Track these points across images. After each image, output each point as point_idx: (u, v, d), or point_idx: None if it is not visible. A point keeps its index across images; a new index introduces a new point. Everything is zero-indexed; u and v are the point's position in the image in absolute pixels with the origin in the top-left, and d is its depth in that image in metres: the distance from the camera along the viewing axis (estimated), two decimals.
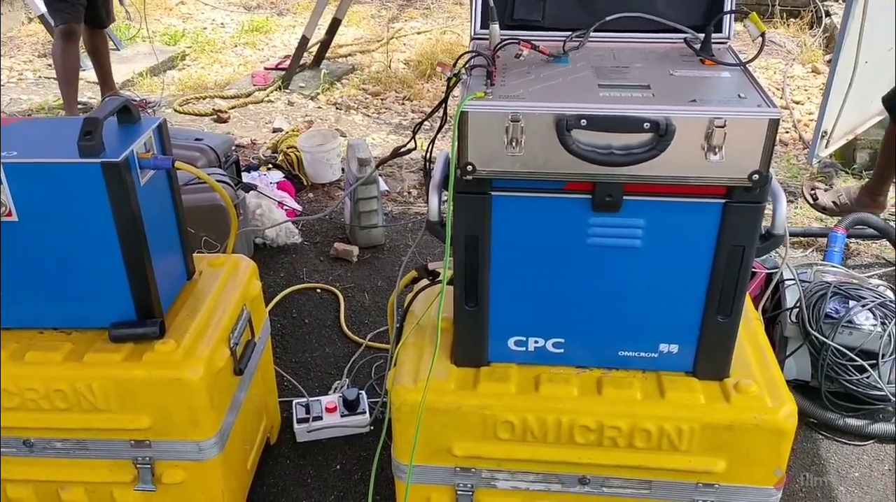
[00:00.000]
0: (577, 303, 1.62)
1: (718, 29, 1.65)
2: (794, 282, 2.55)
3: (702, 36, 1.61)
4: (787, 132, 4.87)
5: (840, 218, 2.95)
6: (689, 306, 1.59)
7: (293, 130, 4.17)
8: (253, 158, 4.06)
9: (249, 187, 3.25)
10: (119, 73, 5.38)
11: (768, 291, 2.46)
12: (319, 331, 2.85)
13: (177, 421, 1.73)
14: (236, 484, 1.96)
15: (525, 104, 1.37)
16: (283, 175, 3.75)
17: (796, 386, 2.45)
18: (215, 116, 4.67)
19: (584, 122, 1.36)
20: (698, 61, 1.57)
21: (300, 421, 2.34)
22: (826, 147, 3.70)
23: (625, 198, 1.46)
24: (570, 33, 1.66)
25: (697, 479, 1.66)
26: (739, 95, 1.40)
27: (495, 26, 1.59)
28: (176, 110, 4.78)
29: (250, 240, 3.19)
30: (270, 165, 3.80)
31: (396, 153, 1.63)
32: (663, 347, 1.65)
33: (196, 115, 4.75)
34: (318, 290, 3.07)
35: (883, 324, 2.32)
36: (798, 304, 2.40)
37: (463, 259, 1.57)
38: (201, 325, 1.82)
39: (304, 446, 2.34)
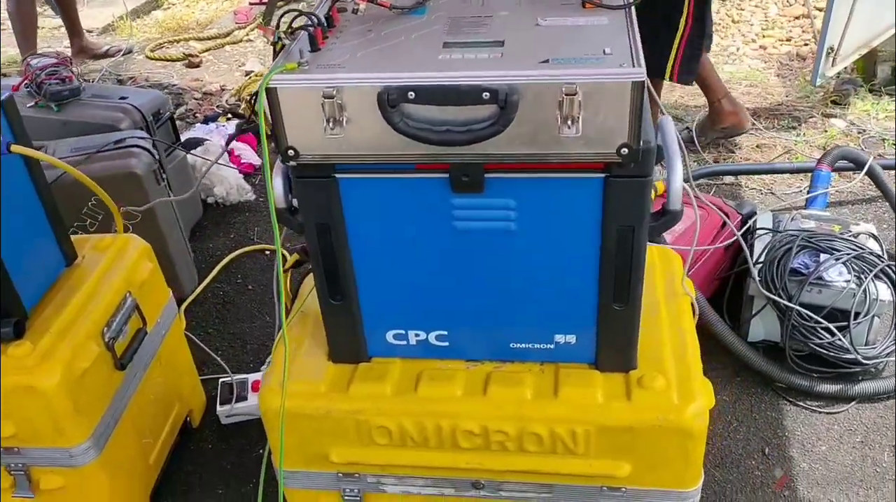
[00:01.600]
0: (454, 293, 1.41)
1: None
2: (765, 232, 2.29)
3: None
4: (805, 44, 4.45)
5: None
6: (580, 294, 1.37)
7: (257, 74, 3.95)
8: (217, 106, 3.86)
9: (195, 143, 3.06)
10: (100, 17, 5.18)
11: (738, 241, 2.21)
12: (262, 297, 2.70)
13: (40, 429, 1.61)
14: (131, 483, 1.84)
15: (341, 76, 1.14)
16: (244, 125, 3.54)
17: (765, 347, 2.22)
18: (187, 61, 4.45)
19: (412, 94, 1.12)
20: (579, 3, 1.30)
21: (223, 402, 2.21)
22: (833, 65, 3.32)
23: (487, 176, 1.23)
24: None
25: (601, 483, 1.47)
26: (605, 51, 1.14)
27: None
28: (148, 56, 4.59)
29: (197, 200, 3.03)
30: (230, 115, 3.59)
31: (241, 131, 1.42)
32: (559, 338, 1.44)
33: (167, 60, 4.55)
34: (267, 253, 2.91)
35: (858, 279, 2.05)
36: (762, 259, 2.14)
37: (317, 250, 1.37)
38: (66, 321, 1.67)
39: (229, 429, 2.21)
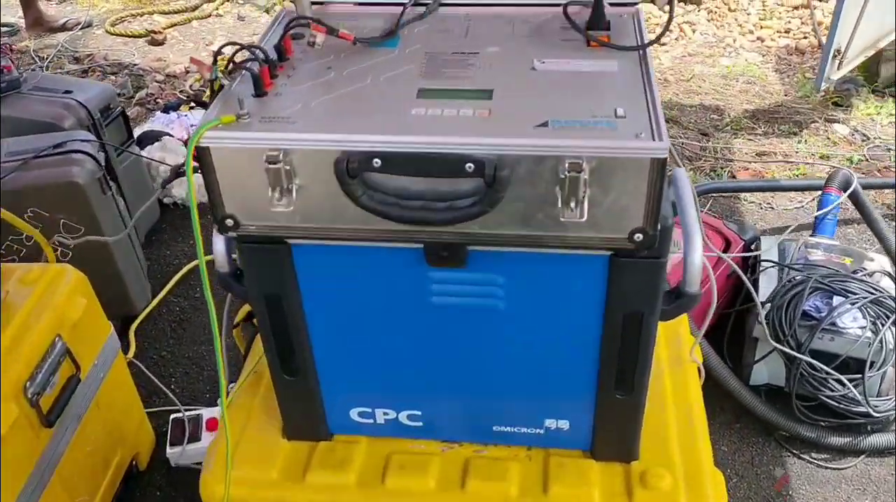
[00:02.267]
0: (429, 372, 1.20)
1: None
2: (771, 264, 2.10)
3: None
4: (805, 37, 4.23)
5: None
6: (576, 380, 1.17)
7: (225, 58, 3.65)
8: (180, 92, 3.58)
9: (151, 138, 2.81)
10: None
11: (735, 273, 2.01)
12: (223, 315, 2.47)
13: None
14: None
15: (290, 137, 0.91)
16: None
17: (768, 391, 2.04)
18: (149, 38, 4.16)
19: (377, 162, 0.90)
20: (583, 41, 1.08)
21: (173, 442, 1.99)
22: (839, 68, 3.11)
23: (471, 249, 1.02)
24: None
25: None
26: (616, 112, 0.92)
27: None
28: (108, 31, 4.28)
29: (153, 203, 2.78)
30: (193, 104, 3.33)
31: (177, 173, 1.18)
32: (550, 423, 1.24)
33: (129, 36, 4.25)
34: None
35: (874, 325, 1.86)
36: (770, 300, 1.95)
37: (267, 323, 1.15)
38: None
39: (180, 472, 2.00)
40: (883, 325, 1.85)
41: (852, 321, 1.88)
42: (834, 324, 1.87)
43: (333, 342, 1.18)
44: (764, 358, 1.96)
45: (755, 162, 3.05)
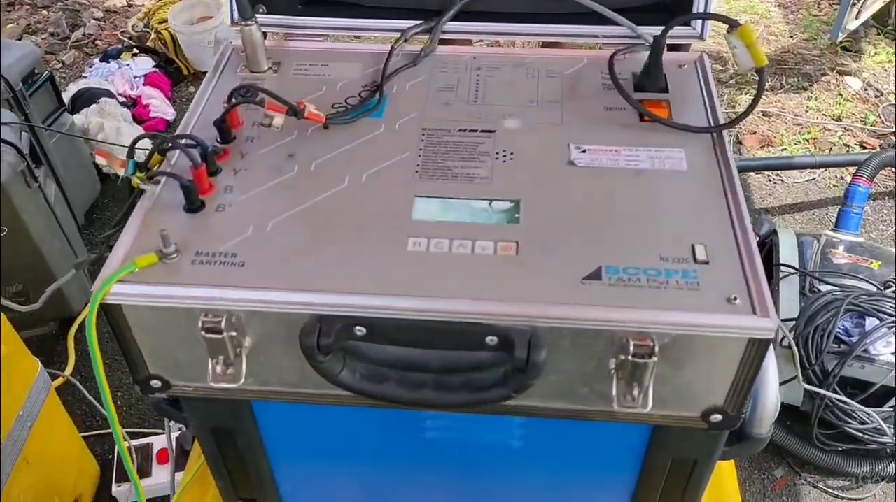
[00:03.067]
0: None
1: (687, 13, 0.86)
2: (791, 271, 1.88)
3: (650, 32, 0.82)
4: None
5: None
6: None
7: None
8: (122, 33, 3.18)
9: (87, 99, 2.46)
10: None
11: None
12: None
13: None
14: None
15: (233, 295, 0.64)
16: (153, 63, 2.89)
17: (782, 408, 1.85)
18: None
19: (361, 330, 0.63)
20: (634, 112, 0.79)
21: (119, 479, 1.77)
22: (857, 17, 2.82)
23: None
24: (415, 25, 0.87)
25: None
26: (695, 252, 0.65)
27: (251, 29, 0.81)
28: None
29: (91, 175, 2.45)
30: (136, 50, 2.94)
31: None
32: None
33: None
34: None
35: None
36: (795, 320, 1.74)
37: (217, 454, 0.90)
38: None
39: None
40: None
41: (885, 346, 1.68)
42: (866, 350, 1.67)
43: (301, 475, 0.94)
44: (784, 383, 1.76)
45: (762, 122, 2.78)
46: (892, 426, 1.70)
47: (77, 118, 2.40)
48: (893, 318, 1.68)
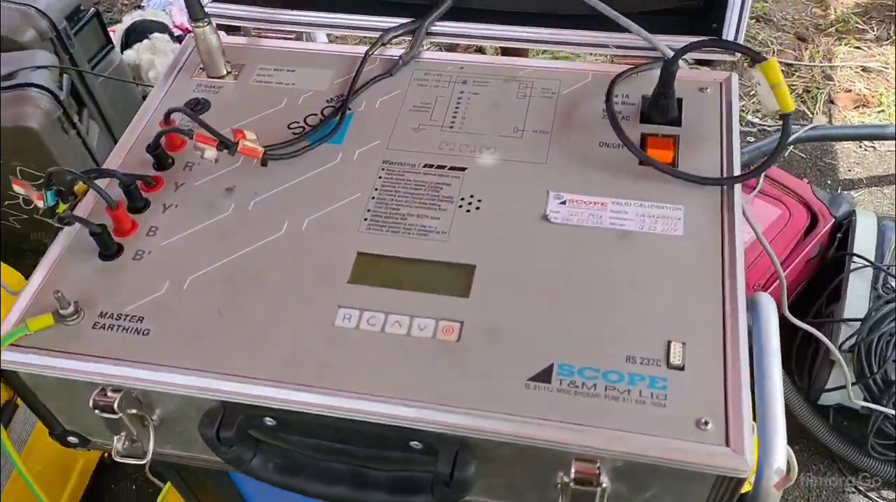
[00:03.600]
0: None
1: (712, 25, 0.71)
2: (864, 264, 1.69)
3: (671, 44, 0.68)
4: None
5: None
6: None
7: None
8: None
9: (142, 33, 2.41)
10: None
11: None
12: None
13: None
14: None
15: (127, 373, 0.56)
16: None
17: (838, 410, 1.71)
18: None
19: (270, 421, 0.55)
20: (632, 158, 0.66)
21: None
22: None
23: None
24: (395, 25, 0.76)
25: None
26: (671, 354, 0.54)
27: (204, 31, 0.72)
28: None
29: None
30: None
31: None
32: None
33: None
34: None
35: None
36: (860, 322, 1.57)
37: (179, 483, 0.86)
38: None
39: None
40: None
41: None
42: None
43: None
44: (838, 389, 1.62)
45: (860, 78, 2.50)
46: None
47: (128, 54, 2.36)
48: None
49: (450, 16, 0.75)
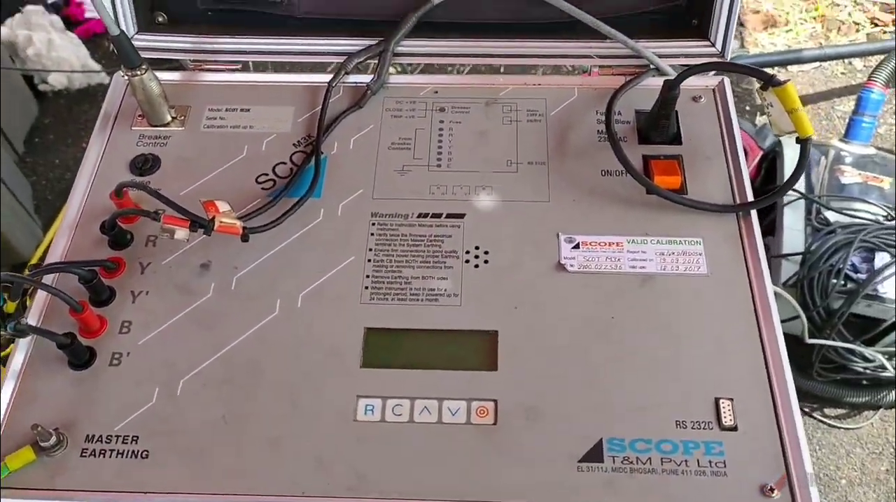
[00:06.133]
0: None
1: (699, 28, 0.67)
2: (797, 197, 1.73)
3: (657, 50, 0.64)
4: None
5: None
6: None
7: None
8: None
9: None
10: None
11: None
12: None
13: None
14: None
15: None
16: None
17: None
18: None
19: None
20: (638, 186, 0.62)
21: None
22: None
23: None
24: (357, 51, 0.68)
25: None
26: (722, 413, 0.51)
27: (142, 79, 0.62)
28: None
29: (25, 94, 2.21)
30: None
31: None
32: None
33: None
34: None
35: None
36: (801, 259, 1.61)
37: None
38: None
39: None
40: None
41: (894, 281, 1.57)
42: (874, 288, 1.56)
43: None
44: (787, 321, 1.67)
45: None
46: (893, 359, 1.63)
47: (3, 32, 2.13)
48: None
49: (416, 33, 0.68)
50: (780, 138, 1.87)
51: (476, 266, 0.59)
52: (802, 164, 0.57)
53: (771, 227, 1.75)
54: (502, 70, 0.80)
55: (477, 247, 0.60)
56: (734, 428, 0.51)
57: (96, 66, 2.41)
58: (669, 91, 0.60)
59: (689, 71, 0.59)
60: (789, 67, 2.32)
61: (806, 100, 2.26)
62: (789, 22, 2.43)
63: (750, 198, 0.61)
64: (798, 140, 0.56)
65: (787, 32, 2.41)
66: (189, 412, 0.53)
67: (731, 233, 0.59)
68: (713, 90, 0.67)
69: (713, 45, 0.67)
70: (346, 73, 0.67)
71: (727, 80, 0.67)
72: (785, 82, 0.55)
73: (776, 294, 1.52)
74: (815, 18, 2.44)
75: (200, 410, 0.53)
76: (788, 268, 1.66)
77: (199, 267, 0.59)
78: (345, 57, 0.68)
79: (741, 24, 2.45)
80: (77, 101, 2.42)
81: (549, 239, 0.60)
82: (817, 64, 2.31)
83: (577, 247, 0.59)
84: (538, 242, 0.59)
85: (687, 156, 0.63)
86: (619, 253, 0.59)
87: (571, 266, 0.58)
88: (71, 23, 2.33)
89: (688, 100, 0.66)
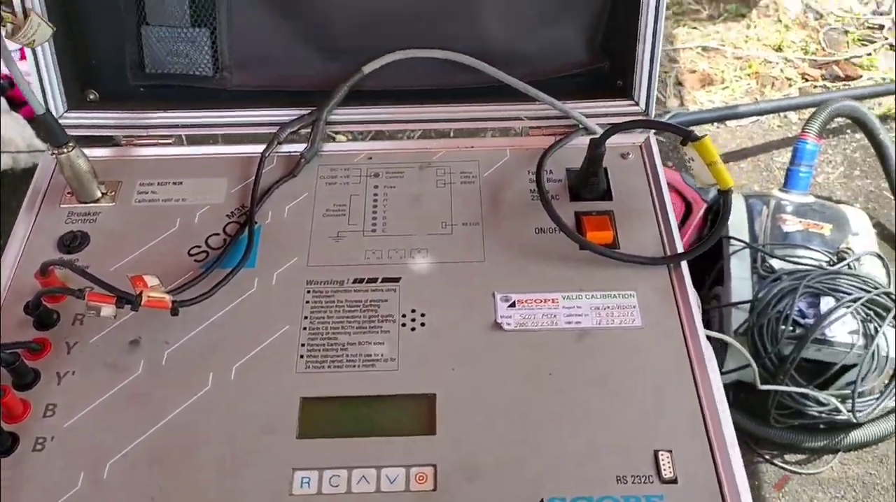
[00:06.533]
0: None
1: (624, 88, 0.69)
2: (742, 246, 1.77)
3: (584, 110, 0.66)
4: None
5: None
6: None
7: None
8: None
9: None
10: None
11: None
12: None
13: None
14: None
15: None
16: None
17: (736, 387, 1.78)
18: None
19: None
20: (570, 242, 0.63)
21: None
22: None
23: None
24: (289, 121, 0.68)
25: None
26: (660, 470, 0.51)
27: (69, 157, 0.62)
28: None
29: None
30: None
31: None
32: None
33: None
34: None
35: (864, 326, 1.59)
36: (750, 308, 1.64)
37: None
38: None
39: None
40: (878, 329, 1.57)
41: (842, 326, 1.60)
42: (822, 332, 1.59)
43: None
44: (739, 369, 1.69)
45: (701, 58, 2.62)
46: (848, 401, 1.64)
47: None
48: (850, 297, 1.59)
49: (348, 101, 0.69)
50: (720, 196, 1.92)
51: (413, 329, 0.58)
52: (726, 216, 0.59)
53: (720, 277, 1.78)
54: (433, 135, 0.81)
55: (413, 310, 0.59)
56: (674, 481, 0.51)
57: (42, 146, 2.40)
58: (595, 149, 0.62)
59: (613, 130, 0.60)
60: (728, 122, 2.40)
61: (746, 153, 2.33)
62: (725, 80, 2.52)
63: (680, 249, 0.62)
64: (719, 192, 0.58)
65: (723, 90, 2.49)
66: (116, 497, 0.51)
67: (664, 284, 0.60)
68: (640, 147, 0.69)
69: (637, 103, 0.69)
70: (280, 143, 0.68)
71: (653, 137, 0.69)
72: (702, 137, 0.56)
73: (726, 343, 1.53)
74: (749, 76, 2.54)
75: (128, 494, 0.51)
76: (738, 317, 1.68)
77: (129, 343, 0.58)
78: (278, 127, 0.68)
79: (680, 84, 2.54)
80: (23, 180, 2.39)
81: (486, 298, 0.60)
82: (755, 118, 2.39)
83: (513, 305, 0.59)
84: (474, 302, 0.59)
85: (618, 211, 0.64)
86: (554, 309, 0.59)
87: (508, 324, 0.58)
88: (16, 104, 2.32)
89: (616, 156, 0.68)
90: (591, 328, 0.58)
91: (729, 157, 2.32)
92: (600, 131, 0.67)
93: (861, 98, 2.38)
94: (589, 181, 0.63)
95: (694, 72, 2.58)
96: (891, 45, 2.61)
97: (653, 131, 0.69)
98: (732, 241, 1.79)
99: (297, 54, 0.69)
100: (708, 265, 1.81)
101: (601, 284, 0.60)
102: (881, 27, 2.68)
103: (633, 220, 0.64)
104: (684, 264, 0.61)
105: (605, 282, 0.60)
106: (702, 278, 1.84)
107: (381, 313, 0.59)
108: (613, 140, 0.68)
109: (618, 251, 0.61)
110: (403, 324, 0.58)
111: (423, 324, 0.58)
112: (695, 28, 2.74)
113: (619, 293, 0.59)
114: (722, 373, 1.65)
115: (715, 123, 2.39)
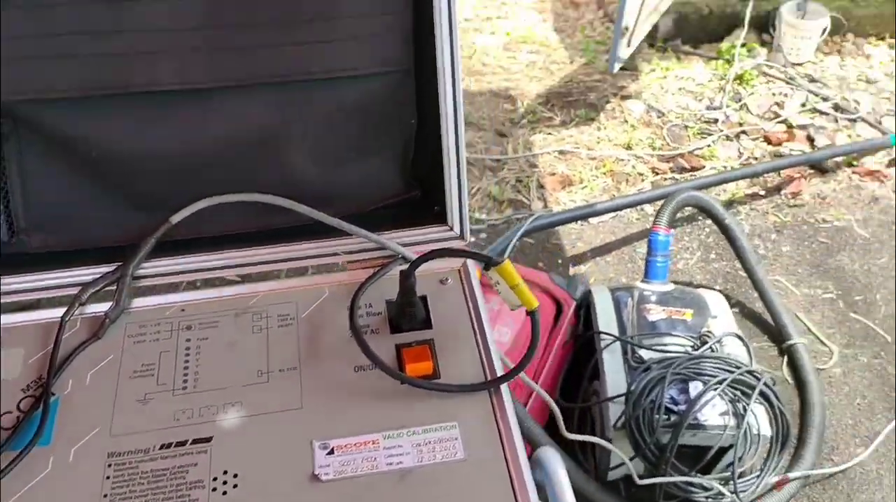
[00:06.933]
0: None
1: (441, 214, 0.70)
2: (612, 341, 1.81)
3: (400, 239, 0.66)
4: None
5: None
6: None
7: None
8: None
9: None
10: None
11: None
12: None
13: None
14: None
15: None
16: None
17: (624, 480, 1.78)
18: None
19: None
20: (391, 378, 0.62)
21: None
22: (629, 45, 2.85)
23: None
24: (92, 280, 0.65)
25: None
26: None
27: None
28: None
29: None
30: None
31: None
32: None
33: None
34: None
35: (734, 405, 1.63)
36: (624, 400, 1.66)
37: None
38: None
39: None
40: (746, 408, 1.62)
41: (711, 409, 1.64)
42: (695, 417, 1.62)
43: None
44: (622, 464, 1.69)
45: (559, 161, 2.75)
46: (730, 484, 1.66)
47: None
48: (716, 380, 1.64)
49: (157, 253, 0.67)
50: (590, 288, 1.97)
51: (224, 493, 0.55)
52: (536, 334, 0.59)
53: (596, 371, 1.80)
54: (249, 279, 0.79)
55: (225, 472, 0.56)
56: None
57: None
58: (406, 280, 0.61)
59: (418, 261, 0.60)
60: (590, 220, 2.50)
61: (610, 247, 2.42)
62: (583, 180, 2.64)
63: (499, 373, 0.61)
64: (527, 312, 0.58)
65: (582, 189, 2.61)
66: None
67: (485, 411, 0.59)
68: (458, 271, 0.69)
69: (451, 228, 0.70)
70: (82, 305, 0.64)
71: (470, 261, 0.70)
72: (502, 261, 0.57)
73: (601, 446, 1.51)
74: (604, 174, 2.67)
75: None
76: (616, 410, 1.70)
77: None
78: (79, 288, 0.65)
79: (541, 187, 2.64)
80: None
81: (303, 448, 0.57)
82: (614, 213, 2.50)
83: (331, 452, 0.57)
84: (291, 455, 0.57)
85: (438, 338, 0.64)
86: (375, 451, 0.57)
87: (326, 474, 0.55)
88: None
89: (436, 283, 0.68)
90: (412, 467, 0.56)
91: (595, 253, 2.41)
92: None
93: (706, 187, 2.55)
94: (405, 311, 0.63)
95: (554, 174, 2.69)
96: (727, 137, 2.82)
97: (471, 265, 0.69)
98: (603, 338, 1.83)
99: (100, 211, 0.67)
100: (585, 359, 1.84)
101: (423, 417, 0.59)
102: (716, 121, 2.90)
103: (453, 347, 0.63)
104: (504, 387, 0.60)
105: (427, 415, 0.59)
106: (580, 373, 1.86)
107: (190, 480, 0.55)
108: (431, 266, 0.69)
109: (435, 382, 0.60)
110: (214, 489, 0.55)
111: (235, 487, 0.55)
112: (550, 134, 2.88)
113: (440, 426, 0.58)
114: (611, 469, 1.65)
115: (578, 221, 2.49)
